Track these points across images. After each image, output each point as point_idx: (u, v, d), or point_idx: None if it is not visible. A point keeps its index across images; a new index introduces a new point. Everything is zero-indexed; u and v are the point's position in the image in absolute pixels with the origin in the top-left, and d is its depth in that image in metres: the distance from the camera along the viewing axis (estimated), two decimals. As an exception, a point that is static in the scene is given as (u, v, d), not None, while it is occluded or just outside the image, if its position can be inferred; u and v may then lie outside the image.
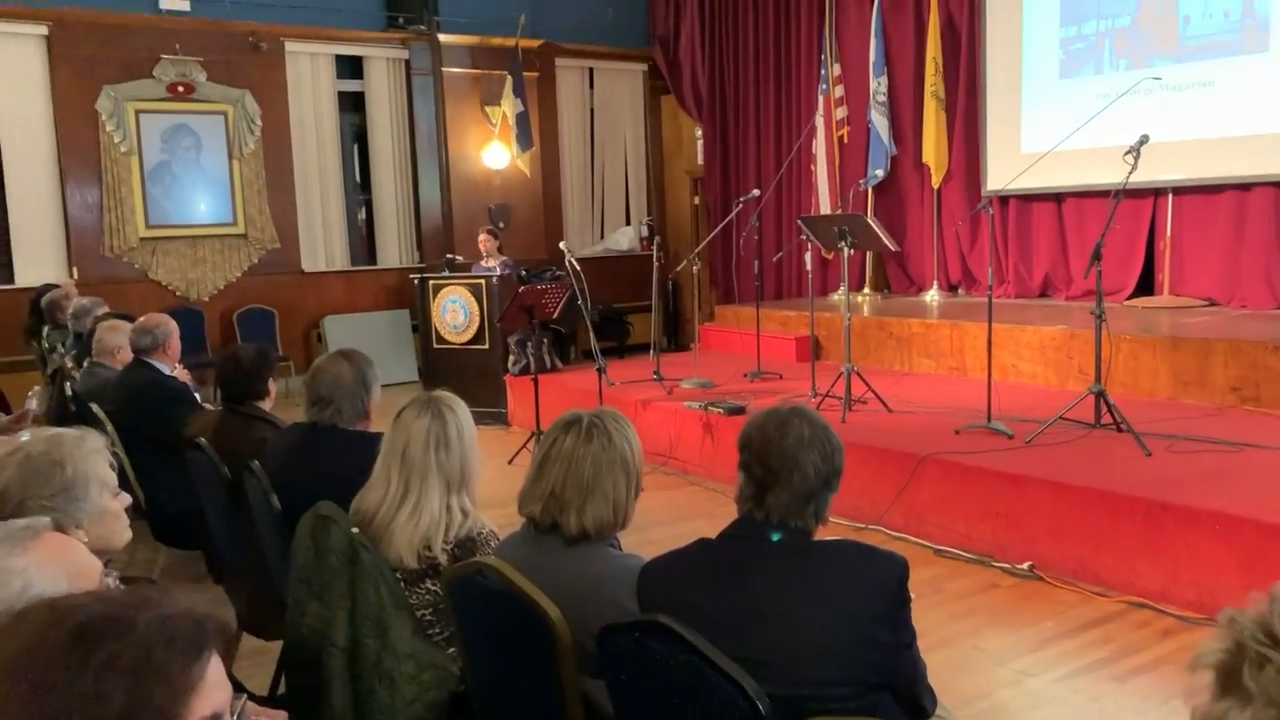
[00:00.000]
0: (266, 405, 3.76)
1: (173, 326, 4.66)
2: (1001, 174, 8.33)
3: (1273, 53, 7.04)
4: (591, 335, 7.12)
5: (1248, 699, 0.90)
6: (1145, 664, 3.67)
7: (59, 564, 1.43)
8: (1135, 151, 5.19)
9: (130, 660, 0.91)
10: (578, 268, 7.19)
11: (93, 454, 1.97)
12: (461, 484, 2.60)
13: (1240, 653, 0.92)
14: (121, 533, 2.02)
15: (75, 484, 1.91)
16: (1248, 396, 5.82)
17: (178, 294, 9.64)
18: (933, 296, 9.17)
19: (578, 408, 2.34)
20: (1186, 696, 0.96)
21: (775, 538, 1.84)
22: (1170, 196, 7.64)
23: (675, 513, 5.72)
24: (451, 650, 2.51)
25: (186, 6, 9.47)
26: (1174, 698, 3.39)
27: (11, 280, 9.05)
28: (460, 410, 2.65)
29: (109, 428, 4.29)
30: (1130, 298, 7.85)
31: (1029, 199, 8.54)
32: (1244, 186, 7.28)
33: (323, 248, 10.54)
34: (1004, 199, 8.48)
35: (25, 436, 2.03)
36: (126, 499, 2.05)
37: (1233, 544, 3.96)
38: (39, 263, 9.07)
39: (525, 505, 2.24)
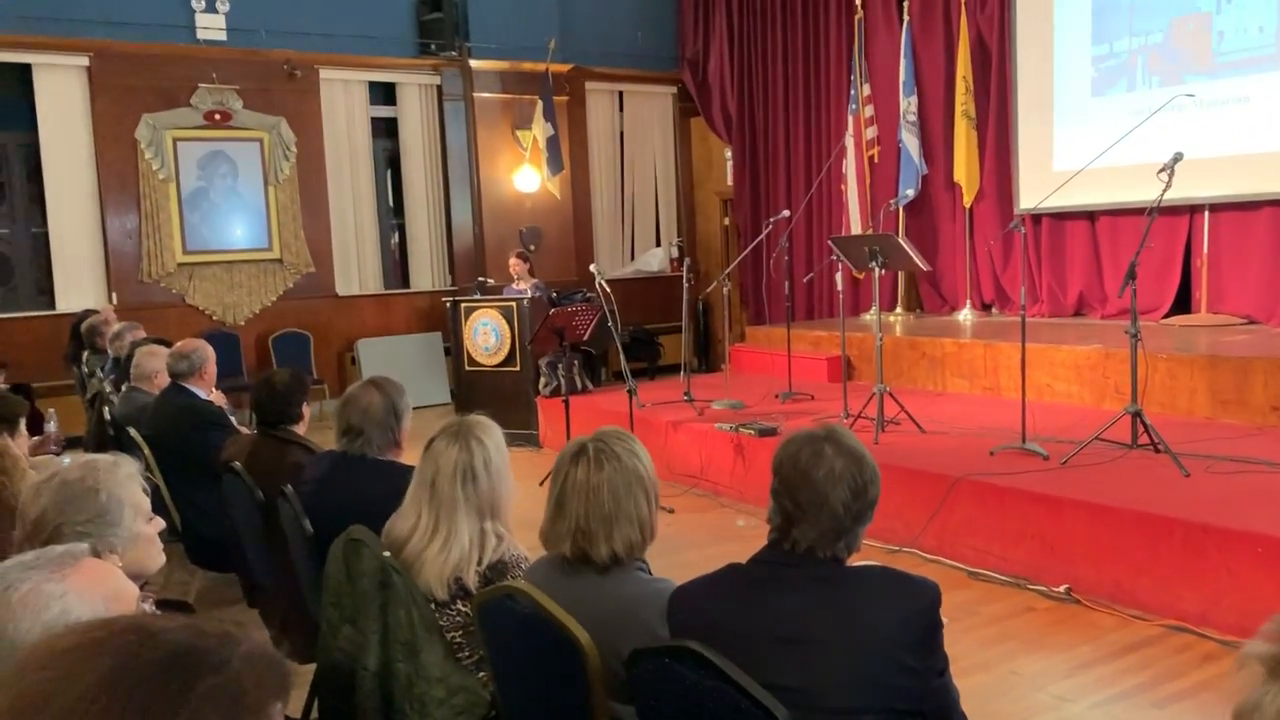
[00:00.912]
0: (301, 429, 3.79)
1: (209, 352, 4.72)
2: (1034, 192, 8.27)
3: (1309, 67, 6.97)
4: (621, 357, 7.15)
5: None
6: (1185, 690, 3.61)
7: (96, 590, 1.45)
8: (1169, 169, 5.14)
9: (228, 695, 0.91)
10: (608, 289, 7.21)
11: (127, 479, 1.99)
12: (493, 512, 2.60)
13: None
14: (156, 557, 2.04)
15: (110, 509, 1.93)
16: (1289, 416, 5.73)
17: (214, 318, 9.78)
18: (966, 316, 9.10)
19: (581, 435, 2.32)
20: (1231, 697, 0.94)
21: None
22: (1206, 213, 7.56)
23: (707, 535, 5.70)
24: (481, 674, 2.52)
25: (223, 36, 9.64)
26: (1216, 724, 3.34)
27: (53, 306, 9.21)
28: (490, 438, 2.64)
29: (146, 452, 4.35)
30: (1167, 316, 7.76)
31: (1062, 217, 8.48)
32: (1282, 203, 7.19)
33: (356, 272, 10.65)
34: (1036, 217, 8.43)
35: (67, 460, 2.07)
36: (160, 524, 2.07)
37: (1275, 566, 3.88)
38: (79, 289, 9.23)
39: (552, 544, 2.23)
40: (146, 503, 2.03)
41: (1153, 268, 7.54)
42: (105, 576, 1.49)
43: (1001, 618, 4.37)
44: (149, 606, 1.62)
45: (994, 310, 9.23)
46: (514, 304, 8.36)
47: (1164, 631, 4.09)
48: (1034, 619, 4.36)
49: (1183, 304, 7.81)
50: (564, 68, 11.11)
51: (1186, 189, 5.87)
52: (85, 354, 7.36)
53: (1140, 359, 5.29)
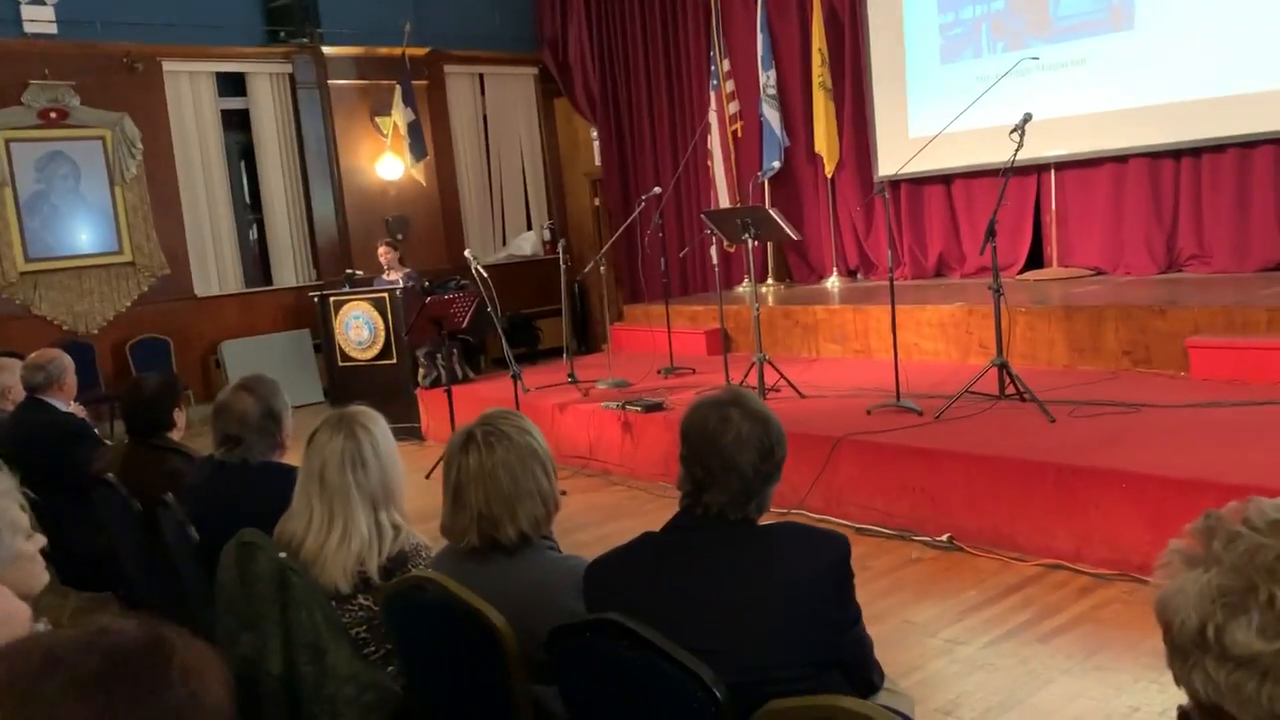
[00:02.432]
0: (176, 436, 3.63)
1: (67, 361, 4.47)
2: (892, 160, 8.53)
3: (1138, 29, 7.37)
4: (504, 343, 7.07)
5: (1212, 565, 0.96)
6: (1066, 623, 3.81)
7: (-18, 613, 1.37)
8: (1020, 129, 5.37)
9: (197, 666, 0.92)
10: (485, 275, 7.12)
11: (2, 496, 1.87)
12: (386, 500, 2.55)
13: (1211, 532, 0.98)
14: (39, 575, 1.92)
15: (-14, 529, 1.81)
16: (1139, 359, 6.08)
17: (65, 328, 9.24)
18: (833, 283, 9.34)
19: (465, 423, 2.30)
20: (1154, 590, 1.02)
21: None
22: (1053, 172, 7.94)
23: (600, 514, 5.72)
24: (391, 669, 2.47)
25: (53, 29, 9.08)
26: (1097, 652, 3.53)
27: (-118, 324, 8.58)
28: (375, 425, 2.58)
29: (4, 469, 4.10)
30: (1022, 271, 8.13)
31: (919, 182, 8.77)
32: (1120, 159, 7.60)
33: (215, 271, 10.23)
34: (895, 184, 8.69)
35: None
36: (41, 540, 1.95)
37: (1139, 501, 4.13)
38: (-89, 304, 8.61)
39: (456, 537, 2.19)
40: (24, 519, 1.91)
41: (1006, 226, 7.87)
42: (-8, 598, 1.41)
43: (890, 570, 4.53)
44: (43, 628, 1.53)
45: (859, 276, 9.50)
46: (386, 295, 8.18)
47: (1041, 570, 4.30)
48: (920, 569, 4.53)
49: (1035, 259, 8.19)
50: (421, 51, 10.89)
51: (1033, 149, 6.14)
52: (-76, 373, 6.86)
53: (1003, 314, 5.53)
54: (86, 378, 8.55)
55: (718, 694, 1.60)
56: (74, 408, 4.76)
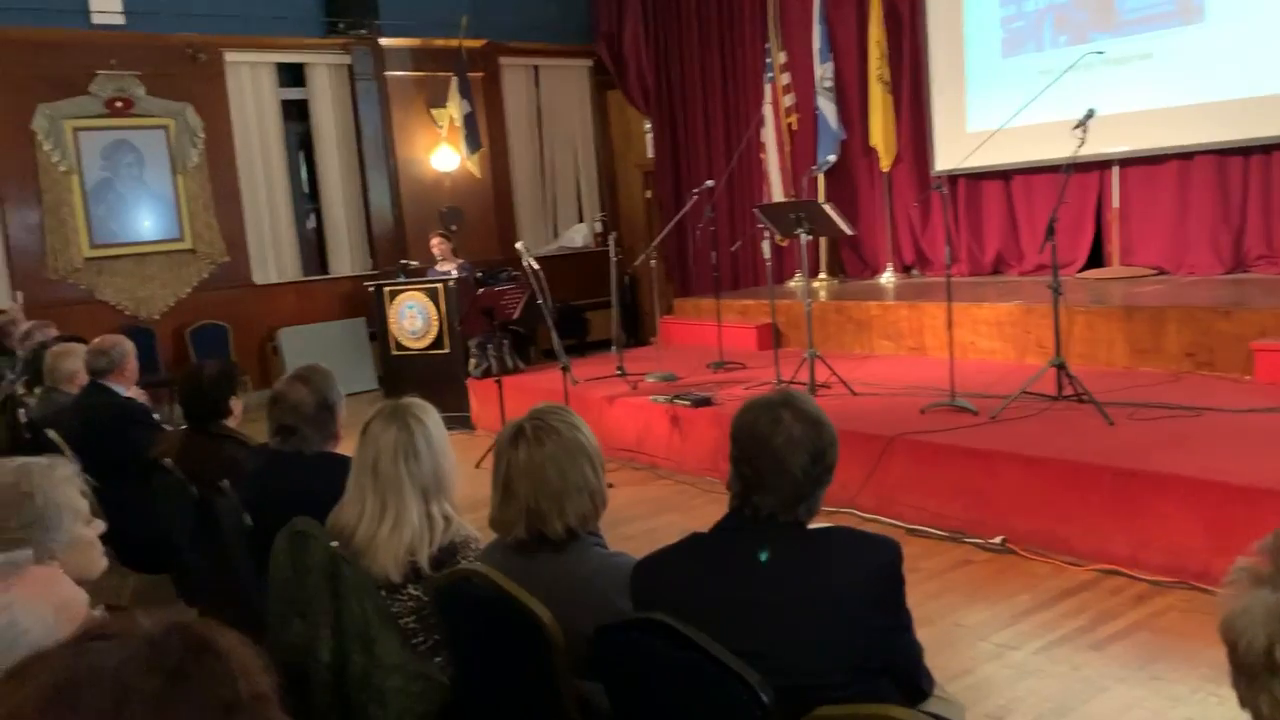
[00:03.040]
0: (233, 423, 3.69)
1: (129, 347, 4.56)
2: (949, 154, 8.42)
3: (1209, 23, 7.18)
4: (554, 334, 7.09)
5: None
6: (1121, 630, 3.73)
7: (44, 599, 1.39)
8: (1083, 125, 5.26)
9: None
10: (536, 267, 7.15)
11: (63, 482, 1.91)
12: (438, 491, 2.57)
13: None
14: (98, 561, 1.96)
15: (47, 514, 1.85)
16: (1202, 361, 5.93)
17: (127, 313, 9.45)
18: (888, 278, 9.24)
19: (516, 416, 2.30)
20: (1219, 608, 0.99)
21: (763, 558, 1.82)
22: (1116, 169, 7.76)
23: (647, 508, 5.71)
24: (439, 659, 2.49)
25: (121, 20, 9.26)
26: (1153, 661, 3.46)
27: (-46, 307, 8.82)
28: (428, 416, 2.60)
29: (67, 454, 4.20)
30: (1082, 270, 7.97)
31: (977, 178, 8.64)
32: (1186, 155, 7.42)
33: (273, 259, 10.39)
34: (953, 179, 8.57)
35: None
36: (101, 526, 1.99)
37: (1198, 507, 4.03)
38: (-19, 288, 8.85)
39: (504, 529, 2.20)
40: (85, 505, 1.95)
41: (1067, 223, 7.72)
42: (53, 584, 1.44)
43: (941, 572, 4.47)
44: (99, 614, 1.56)
45: (915, 272, 9.38)
46: (440, 285, 8.25)
47: (1097, 575, 4.22)
48: (972, 571, 4.46)
49: (1095, 258, 8.03)
50: (478, 43, 10.94)
51: (1096, 145, 6.01)
52: (-8, 356, 7.06)
53: (1061, 313, 5.43)
54: (147, 363, 8.70)
55: (764, 698, 1.58)
56: (135, 392, 4.86)
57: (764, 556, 1.81)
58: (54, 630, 1.32)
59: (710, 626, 1.69)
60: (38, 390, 5.10)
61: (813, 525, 1.99)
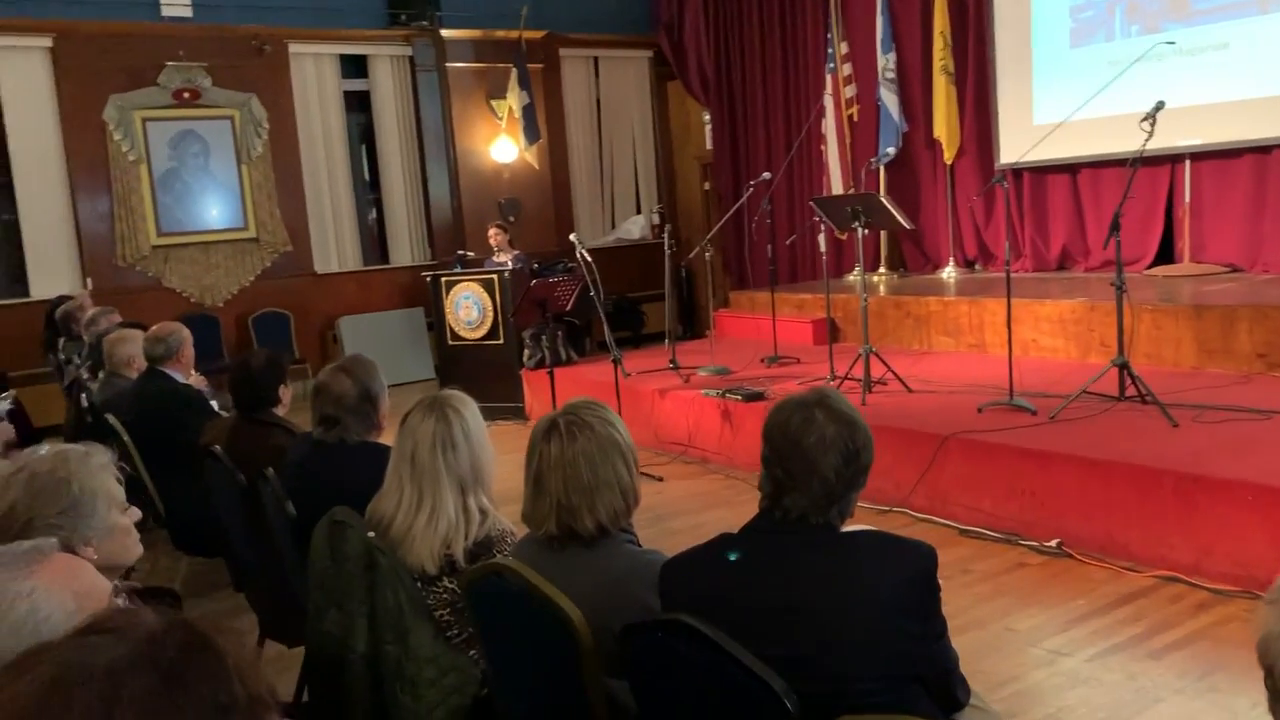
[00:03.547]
0: (282, 411, 3.73)
1: (186, 335, 4.65)
2: (1015, 147, 8.22)
3: (1288, 11, 6.91)
4: (605, 326, 7.07)
5: None
6: (1180, 639, 3.61)
7: (67, 586, 1.40)
8: (1151, 118, 5.10)
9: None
10: (589, 259, 7.14)
11: (99, 469, 1.93)
12: (475, 483, 2.57)
13: None
14: (132, 548, 1.99)
15: (83, 501, 1.87)
16: (1274, 363, 5.72)
17: (192, 300, 9.66)
18: (949, 273, 9.07)
19: (548, 411, 2.28)
20: (1256, 628, 0.95)
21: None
22: (1188, 162, 7.52)
23: (696, 502, 5.68)
24: (473, 653, 2.48)
25: (189, 13, 9.45)
26: (1213, 673, 3.34)
27: (27, 293, 9.07)
28: (466, 408, 2.60)
29: (125, 438, 4.29)
30: (1150, 267, 7.74)
31: (1043, 171, 8.43)
32: (1263, 149, 7.15)
33: (334, 249, 10.53)
34: (1018, 172, 8.38)
35: (44, 450, 2.00)
36: (136, 514, 2.01)
37: (1266, 514, 3.88)
38: (53, 275, 9.08)
39: (535, 524, 2.18)
40: (120, 493, 1.97)
41: (1135, 219, 7.51)
42: (76, 572, 1.44)
43: (993, 574, 4.37)
44: (123, 602, 1.57)
45: (977, 267, 9.20)
46: (495, 276, 8.28)
47: (1156, 582, 4.09)
48: (1026, 574, 4.35)
49: (1165, 254, 7.79)
50: (537, 34, 10.96)
51: (1168, 138, 5.83)
52: (61, 341, 7.25)
53: (1125, 311, 5.27)
54: (211, 349, 8.94)
55: (789, 704, 1.54)
56: (195, 379, 4.95)
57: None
58: (74, 617, 1.33)
59: (738, 629, 1.65)
60: (100, 375, 5.21)
61: (854, 526, 1.94)
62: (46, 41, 8.92)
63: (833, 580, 1.74)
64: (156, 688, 0.88)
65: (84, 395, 5.21)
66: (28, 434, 5.99)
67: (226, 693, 0.90)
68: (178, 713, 0.88)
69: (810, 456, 1.78)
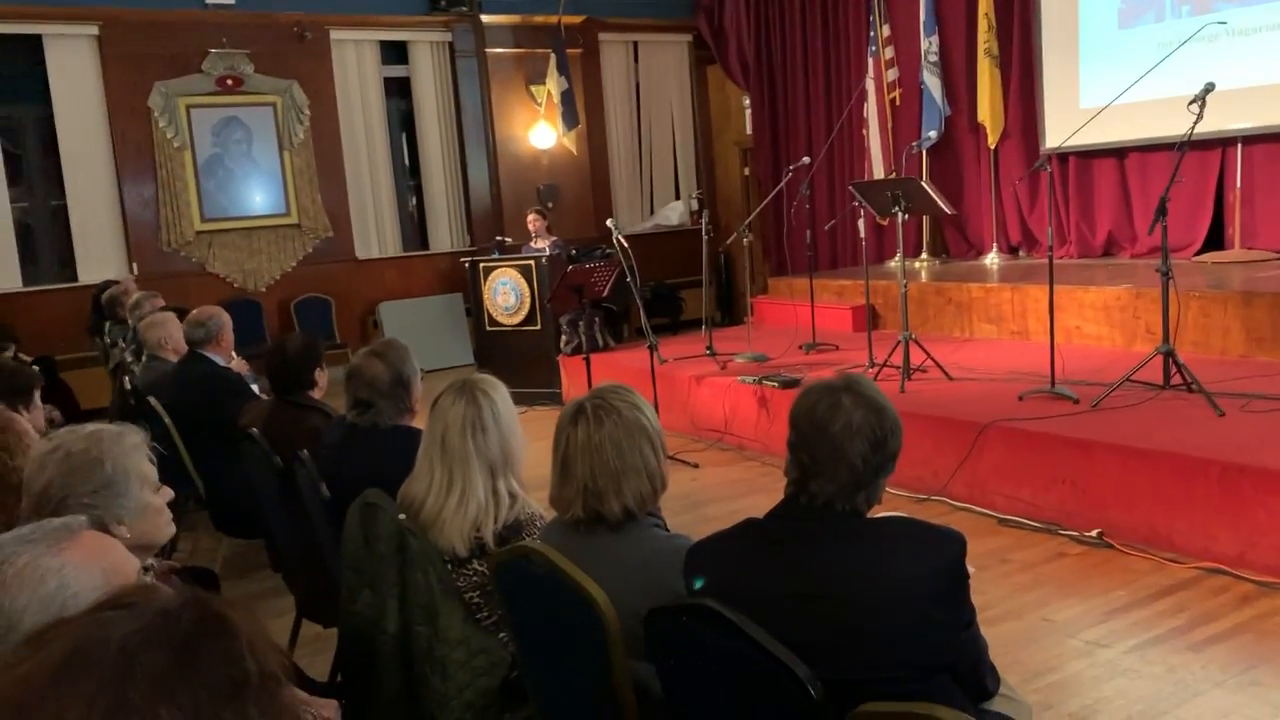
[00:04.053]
0: (318, 395, 3.76)
1: (225, 319, 4.70)
2: (1060, 130, 8.06)
3: (1346, -10, 6.72)
4: (642, 313, 7.06)
5: None
6: (1222, 632, 3.54)
7: (95, 563, 1.42)
8: (1200, 100, 4.97)
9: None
10: (625, 245, 7.12)
11: (133, 449, 1.95)
12: (505, 467, 2.57)
13: None
14: (165, 528, 2.01)
15: (115, 480, 1.90)
16: (1326, 351, 5.59)
17: (235, 285, 9.78)
18: (992, 259, 8.95)
19: (577, 395, 2.27)
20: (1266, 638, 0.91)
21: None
22: (1239, 146, 7.34)
23: (732, 489, 5.65)
24: (502, 635, 2.49)
25: (232, 0, 9.54)
26: (1255, 666, 3.27)
27: (74, 278, 9.24)
28: (496, 392, 2.61)
29: (166, 420, 4.35)
30: (1199, 253, 7.58)
31: (1089, 155, 8.28)
32: (1318, 132, 6.97)
33: (375, 234, 10.61)
34: (1063, 156, 8.23)
35: (81, 430, 2.03)
36: (169, 494, 2.04)
37: (1314, 506, 3.79)
38: (100, 260, 9.25)
39: (562, 508, 2.19)
40: (153, 473, 1.99)
41: (1184, 204, 7.35)
42: (105, 549, 1.46)
43: (1032, 564, 4.31)
44: (150, 578, 1.59)
45: (1021, 253, 9.06)
46: (533, 263, 8.29)
47: (1199, 574, 4.01)
48: (1066, 565, 4.29)
49: (1215, 240, 7.62)
50: (576, 19, 10.94)
51: (1218, 121, 5.68)
52: (107, 325, 7.38)
53: (1172, 298, 5.16)
54: (254, 333, 9.05)
55: (812, 691, 1.53)
56: (237, 363, 5.01)
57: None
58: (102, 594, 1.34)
59: (762, 615, 1.64)
60: (143, 359, 5.29)
61: (883, 513, 1.92)
62: (93, 29, 9.05)
63: (859, 567, 1.72)
64: (170, 662, 0.88)
65: (127, 378, 5.30)
66: (75, 416, 6.11)
67: (240, 669, 0.91)
68: (190, 688, 0.88)
69: (837, 442, 1.76)
